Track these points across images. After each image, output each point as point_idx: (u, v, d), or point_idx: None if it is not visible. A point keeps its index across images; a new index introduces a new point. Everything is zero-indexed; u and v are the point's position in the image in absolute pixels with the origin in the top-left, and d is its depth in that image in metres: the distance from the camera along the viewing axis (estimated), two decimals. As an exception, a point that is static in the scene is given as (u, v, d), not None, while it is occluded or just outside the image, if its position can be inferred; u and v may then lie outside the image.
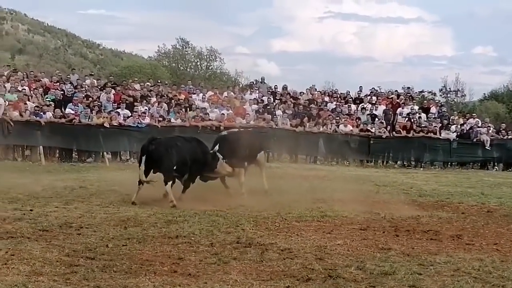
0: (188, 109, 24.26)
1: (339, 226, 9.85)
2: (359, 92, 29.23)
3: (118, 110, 22.67)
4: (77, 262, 6.94)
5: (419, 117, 26.57)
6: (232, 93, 26.84)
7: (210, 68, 52.92)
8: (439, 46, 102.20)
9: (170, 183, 11.62)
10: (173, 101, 24.66)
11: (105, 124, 21.44)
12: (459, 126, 26.60)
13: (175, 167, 11.79)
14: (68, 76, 25.99)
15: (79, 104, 21.98)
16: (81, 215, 10.02)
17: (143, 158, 11.71)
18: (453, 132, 25.98)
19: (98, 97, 23.39)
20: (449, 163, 25.68)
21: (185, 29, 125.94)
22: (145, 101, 23.87)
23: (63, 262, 6.90)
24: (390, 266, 7.19)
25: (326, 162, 24.11)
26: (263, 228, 9.40)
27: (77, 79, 25.67)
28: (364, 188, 15.48)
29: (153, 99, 24.35)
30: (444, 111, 29.88)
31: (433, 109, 28.25)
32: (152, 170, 11.69)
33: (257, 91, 27.57)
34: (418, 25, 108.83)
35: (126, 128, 21.96)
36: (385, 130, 25.27)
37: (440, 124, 26.35)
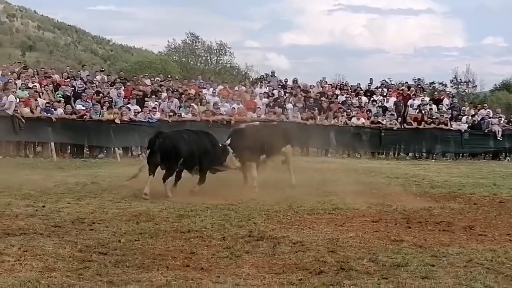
0: (199, 103, 24.24)
1: (351, 219, 9.83)
2: (369, 84, 29.18)
3: (129, 105, 22.67)
4: (89, 257, 6.96)
5: (430, 109, 26.39)
6: (242, 87, 26.82)
7: (220, 62, 53.01)
8: (450, 37, 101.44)
9: (168, 179, 11.69)
10: (183, 95, 24.63)
11: (116, 120, 21.47)
12: (470, 117, 26.42)
13: (182, 161, 11.85)
14: (79, 72, 26.09)
15: (89, 100, 22.04)
16: (93, 210, 10.06)
17: (147, 152, 11.84)
18: (464, 123, 25.85)
19: (109, 93, 23.45)
20: (461, 154, 25.63)
21: (195, 24, 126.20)
22: (155, 96, 23.85)
23: (76, 258, 6.93)
24: (403, 258, 7.18)
25: (338, 155, 24.02)
26: (275, 222, 9.40)
27: (88, 75, 25.69)
28: (375, 180, 15.46)
29: (164, 94, 24.33)
30: (455, 102, 29.75)
31: (445, 101, 28.15)
32: (159, 165, 11.73)
33: (268, 85, 27.57)
34: (428, 16, 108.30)
35: (137, 123, 21.95)
36: (396, 122, 25.19)
37: (451, 115, 26.24)
